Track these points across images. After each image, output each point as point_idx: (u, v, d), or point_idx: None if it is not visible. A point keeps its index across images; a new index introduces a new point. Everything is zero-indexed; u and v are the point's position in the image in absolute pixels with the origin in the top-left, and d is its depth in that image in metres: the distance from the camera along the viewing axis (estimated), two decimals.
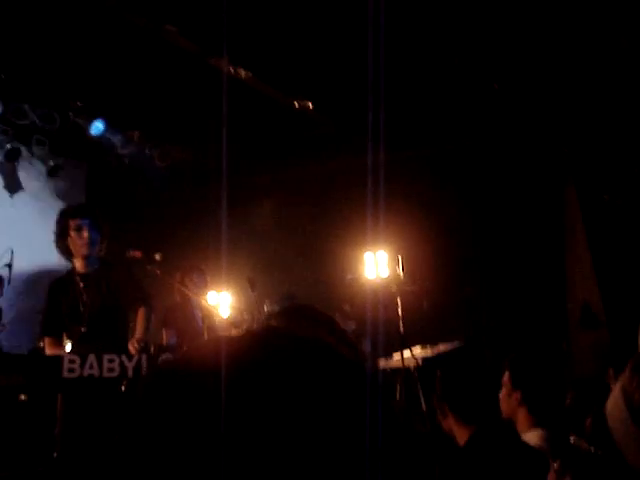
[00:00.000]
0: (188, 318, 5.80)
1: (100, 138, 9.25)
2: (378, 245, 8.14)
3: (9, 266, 7.36)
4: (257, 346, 0.76)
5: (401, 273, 8.23)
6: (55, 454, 4.93)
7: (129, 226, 8.30)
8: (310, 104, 8.81)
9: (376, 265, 8.46)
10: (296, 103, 8.70)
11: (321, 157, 9.43)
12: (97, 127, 9.05)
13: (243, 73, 8.12)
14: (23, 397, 5.46)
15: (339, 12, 6.79)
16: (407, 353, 7.04)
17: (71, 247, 4.49)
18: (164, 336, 5.78)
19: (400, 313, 7.57)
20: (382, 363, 7.10)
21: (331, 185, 9.30)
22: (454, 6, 6.63)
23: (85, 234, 4.44)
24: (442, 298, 8.75)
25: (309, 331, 1.83)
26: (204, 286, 5.94)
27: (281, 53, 7.74)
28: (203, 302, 5.09)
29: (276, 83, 8.44)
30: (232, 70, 8.06)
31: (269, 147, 9.50)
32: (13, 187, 9.73)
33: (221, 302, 6.99)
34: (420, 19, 6.90)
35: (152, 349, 4.11)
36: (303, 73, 8.17)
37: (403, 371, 7.03)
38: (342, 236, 8.46)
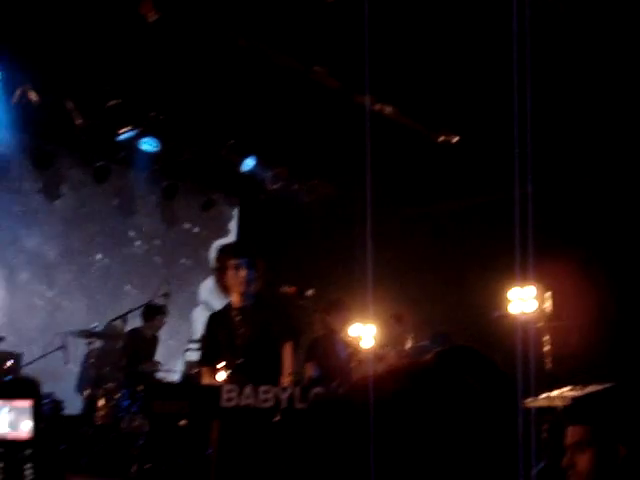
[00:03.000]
0: (331, 351, 5.85)
1: (251, 174, 9.64)
2: (526, 281, 7.99)
3: (166, 295, 7.76)
4: (408, 383, 0.83)
5: (549, 309, 8.04)
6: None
7: (280, 260, 8.55)
8: (455, 137, 8.82)
9: (523, 301, 8.30)
10: (441, 137, 8.74)
11: (468, 190, 9.39)
12: (248, 164, 9.44)
13: (388, 109, 8.26)
14: (183, 422, 5.75)
15: (481, 43, 6.79)
16: (555, 392, 6.84)
17: (228, 283, 4.72)
18: (307, 368, 5.87)
19: (547, 350, 7.38)
20: (530, 402, 6.92)
21: (478, 218, 9.22)
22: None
23: (242, 273, 4.65)
24: (594, 335, 8.43)
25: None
26: (345, 320, 5.98)
27: (425, 88, 7.82)
28: (348, 336, 5.17)
29: (421, 118, 8.52)
30: (377, 106, 8.22)
31: (415, 181, 9.56)
32: (170, 221, 10.29)
33: (366, 334, 7.06)
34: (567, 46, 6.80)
35: (305, 382, 4.24)
36: (448, 107, 8.21)
37: (551, 411, 6.83)
38: (489, 272, 8.35)
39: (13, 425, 2.11)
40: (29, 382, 2.12)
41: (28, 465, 2.09)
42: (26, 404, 2.12)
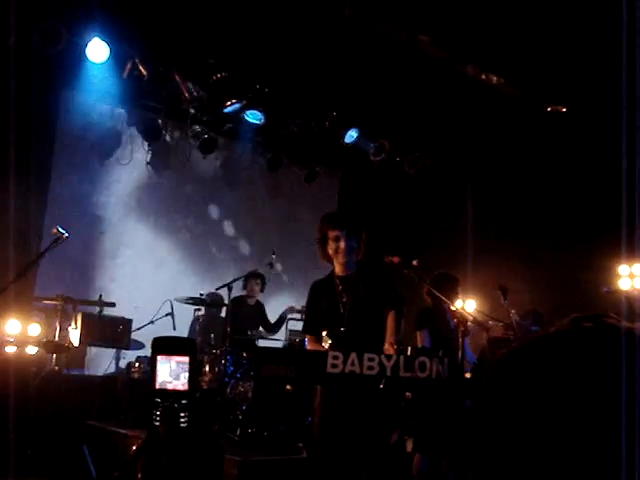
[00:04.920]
0: (442, 322, 5.84)
1: (353, 146, 9.65)
2: (635, 257, 7.76)
3: (270, 265, 7.90)
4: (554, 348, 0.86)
5: None
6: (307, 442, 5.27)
7: (383, 231, 8.56)
8: (563, 108, 8.57)
9: (632, 277, 8.07)
10: (549, 107, 8.51)
11: (575, 162, 9.12)
12: (351, 136, 9.46)
13: (494, 79, 8.10)
14: (289, 387, 5.88)
15: (588, 13, 6.57)
16: None
17: (330, 253, 4.75)
18: (418, 338, 5.88)
19: None
20: None
21: (586, 193, 8.94)
22: None
23: (342, 244, 4.66)
24: None
25: None
26: (454, 293, 5.92)
27: (532, 58, 7.62)
28: (457, 308, 5.13)
29: (528, 88, 8.31)
30: (483, 76, 8.07)
31: (519, 153, 9.35)
32: (273, 193, 10.44)
33: (465, 308, 6.98)
34: None
35: (409, 351, 4.24)
36: (554, 78, 7.98)
37: None
38: (598, 247, 8.11)
39: (173, 377, 2.40)
40: (188, 341, 2.43)
41: (183, 414, 2.38)
42: (185, 359, 2.41)
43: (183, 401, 2.40)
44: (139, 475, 2.42)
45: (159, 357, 2.41)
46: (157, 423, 2.38)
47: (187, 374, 2.42)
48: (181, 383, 2.42)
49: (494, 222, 9.30)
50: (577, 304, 7.96)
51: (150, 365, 2.46)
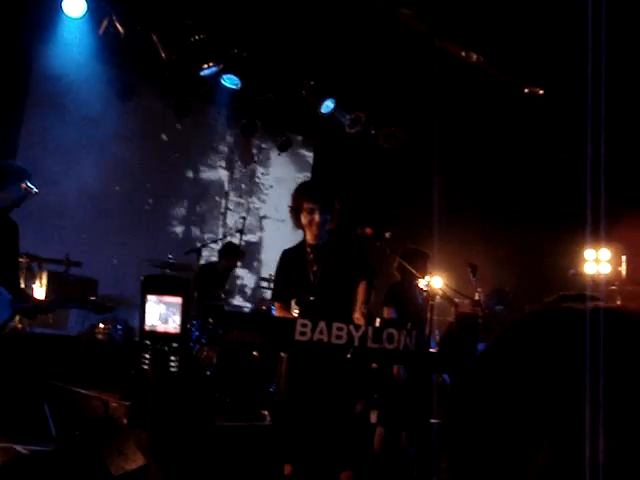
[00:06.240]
0: (410, 297, 5.85)
1: (329, 117, 9.60)
2: (601, 243, 7.86)
3: (240, 232, 7.85)
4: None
5: (623, 272, 7.90)
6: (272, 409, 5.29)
7: (355, 203, 8.55)
8: (540, 91, 8.60)
9: (597, 262, 8.18)
10: (526, 89, 8.53)
11: (545, 146, 9.17)
12: (327, 106, 9.39)
13: (474, 57, 8.08)
14: (256, 354, 5.89)
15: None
16: None
17: (303, 223, 4.72)
18: (385, 312, 5.89)
19: None
20: None
21: (558, 176, 9.01)
22: None
23: (316, 217, 4.62)
24: None
25: None
26: (424, 268, 5.92)
27: (513, 38, 7.62)
28: (426, 283, 5.14)
29: (507, 68, 8.31)
30: (463, 53, 8.05)
31: (492, 133, 9.39)
32: (247, 159, 10.37)
33: (432, 285, 7.02)
34: None
35: (378, 322, 4.25)
36: (534, 59, 7.99)
37: None
38: (566, 231, 8.20)
39: (163, 319, 2.25)
40: (181, 280, 2.27)
41: (173, 358, 2.25)
42: (177, 300, 2.25)
43: (174, 344, 2.27)
44: (124, 420, 2.34)
45: (149, 296, 2.26)
46: (145, 367, 2.25)
47: (179, 316, 2.28)
48: (172, 325, 2.28)
49: (464, 201, 9.33)
50: (544, 285, 8.07)
51: (140, 305, 2.31)
